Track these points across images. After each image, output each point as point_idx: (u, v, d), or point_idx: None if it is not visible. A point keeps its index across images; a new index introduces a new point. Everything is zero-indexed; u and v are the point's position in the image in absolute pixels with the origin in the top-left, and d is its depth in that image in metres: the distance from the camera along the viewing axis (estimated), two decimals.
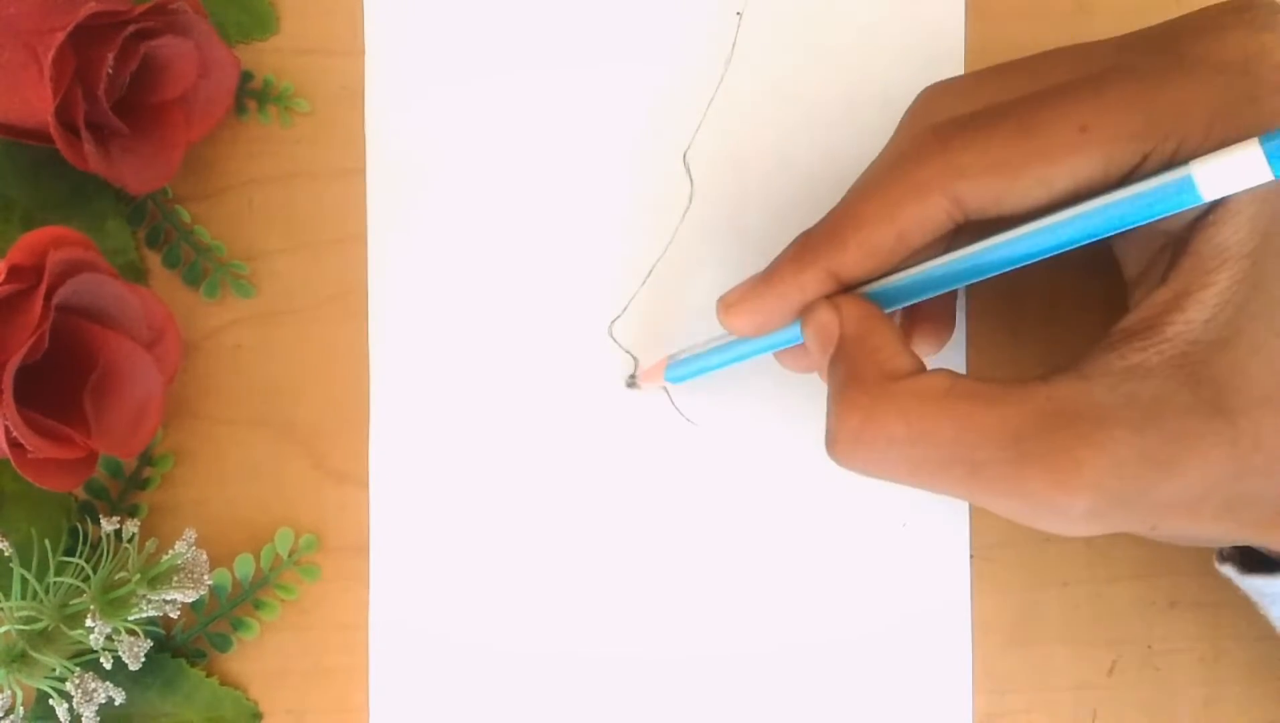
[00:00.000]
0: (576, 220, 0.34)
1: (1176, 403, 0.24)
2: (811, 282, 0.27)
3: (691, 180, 0.34)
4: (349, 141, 0.34)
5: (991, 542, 0.34)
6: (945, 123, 0.26)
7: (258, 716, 0.33)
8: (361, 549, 0.34)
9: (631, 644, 0.34)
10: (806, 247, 0.27)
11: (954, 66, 0.35)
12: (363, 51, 0.34)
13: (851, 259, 0.26)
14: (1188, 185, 0.23)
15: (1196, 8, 0.35)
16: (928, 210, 0.25)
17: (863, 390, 0.25)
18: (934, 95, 0.28)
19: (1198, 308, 0.24)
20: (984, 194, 0.25)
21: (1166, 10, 0.35)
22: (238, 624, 0.33)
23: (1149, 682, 0.34)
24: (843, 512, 0.34)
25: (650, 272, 0.34)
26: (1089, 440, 0.23)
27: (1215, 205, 0.24)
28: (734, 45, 0.34)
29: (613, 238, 0.34)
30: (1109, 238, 0.25)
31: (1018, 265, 0.26)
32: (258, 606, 0.33)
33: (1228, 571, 0.29)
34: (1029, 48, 0.35)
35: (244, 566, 0.33)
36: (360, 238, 0.34)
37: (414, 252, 0.34)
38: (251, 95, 0.34)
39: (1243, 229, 0.24)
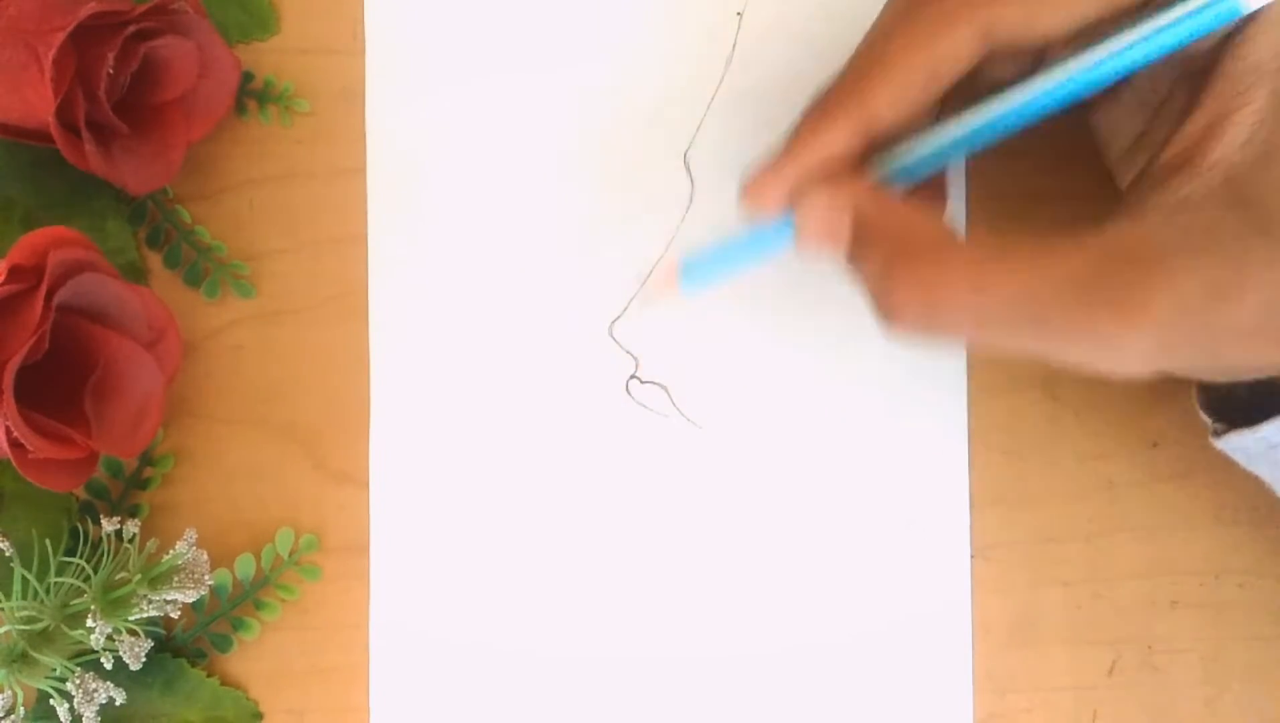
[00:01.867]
0: (577, 220, 0.34)
1: (1228, 229, 0.24)
2: (840, 137, 0.26)
3: (691, 180, 0.34)
4: (349, 141, 0.34)
5: (991, 542, 0.34)
6: None
7: (258, 715, 0.33)
8: (361, 549, 0.34)
9: (632, 645, 0.34)
10: (830, 100, 0.26)
11: None
12: (363, 51, 0.34)
13: (883, 104, 0.25)
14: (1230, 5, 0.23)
15: None
16: (957, 41, 0.25)
17: (916, 266, 0.25)
18: None
19: (1236, 129, 0.24)
20: (1015, 19, 0.25)
21: None
22: (238, 624, 0.33)
23: (1149, 682, 0.34)
24: (843, 512, 0.34)
25: (650, 272, 0.34)
26: (1151, 276, 0.23)
27: (1241, 24, 0.24)
28: (734, 45, 0.34)
29: (613, 238, 0.34)
30: (1097, 112, 0.25)
31: (1046, 113, 0.25)
32: (258, 606, 0.33)
33: (1231, 438, 0.29)
34: None
35: (244, 566, 0.33)
36: (360, 238, 0.34)
37: (414, 252, 0.34)
38: (252, 95, 0.34)
39: (1273, 45, 0.24)
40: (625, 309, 0.34)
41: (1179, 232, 0.24)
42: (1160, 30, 0.24)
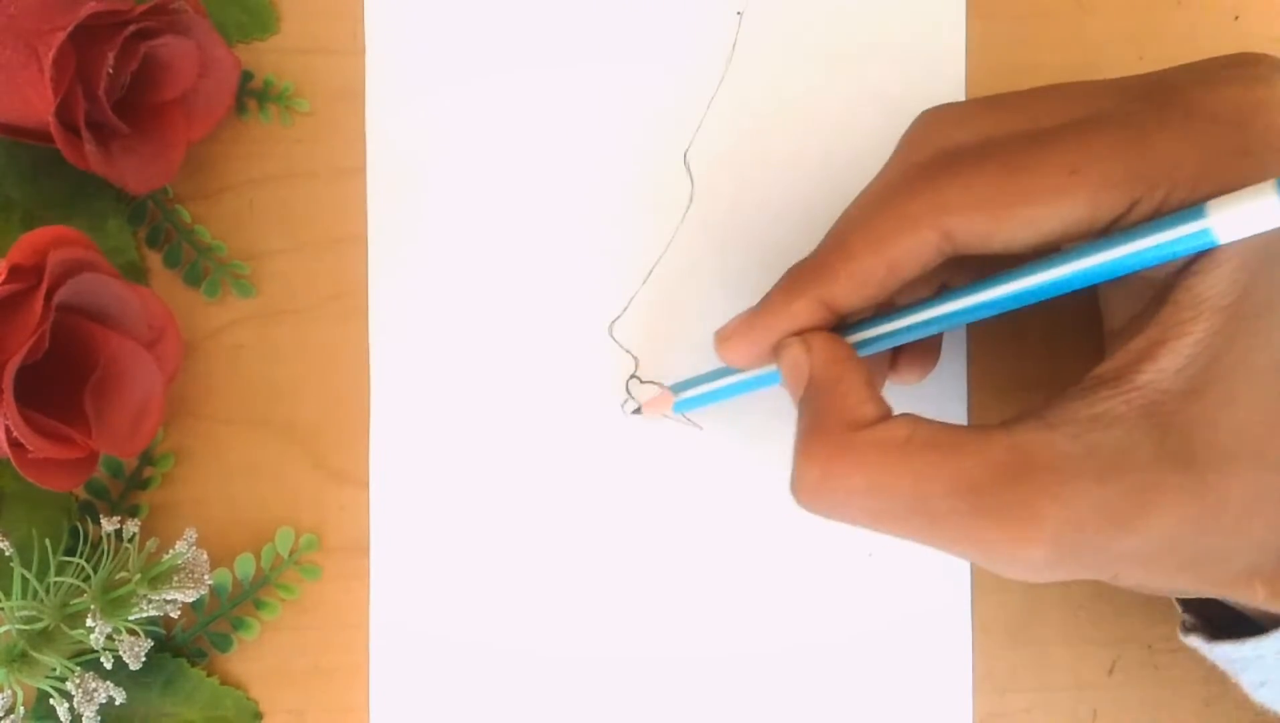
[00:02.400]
0: (576, 220, 0.34)
1: (1141, 454, 0.23)
2: (803, 311, 0.27)
3: (692, 180, 0.34)
4: (349, 141, 0.34)
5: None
6: (935, 157, 0.26)
7: (258, 715, 0.33)
8: (361, 549, 0.34)
9: (631, 645, 0.34)
10: (798, 277, 0.27)
11: (955, 66, 0.35)
12: (363, 51, 0.34)
13: (842, 289, 0.26)
14: (1200, 227, 0.23)
15: (1195, 11, 0.35)
16: (917, 243, 0.25)
17: (823, 440, 0.25)
18: (928, 124, 0.28)
19: (1171, 357, 0.24)
20: (972, 230, 0.25)
21: (1167, 10, 0.35)
22: (238, 624, 0.33)
23: (1149, 682, 0.34)
24: None
25: (650, 272, 0.34)
26: (1047, 492, 0.23)
27: (1197, 257, 0.24)
28: (734, 45, 0.34)
29: (613, 238, 0.34)
30: (1097, 287, 0.25)
31: (1013, 308, 0.26)
32: (258, 605, 0.33)
33: (1194, 642, 0.29)
34: (1029, 47, 0.35)
35: (244, 565, 0.33)
36: (360, 238, 0.34)
37: (414, 252, 0.34)
38: (252, 95, 0.34)
39: (1223, 281, 0.24)
40: (625, 309, 0.34)
41: (1086, 448, 0.24)
42: (1125, 256, 0.24)
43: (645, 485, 0.34)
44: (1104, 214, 0.24)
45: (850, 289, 0.26)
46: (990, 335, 0.35)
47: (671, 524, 0.34)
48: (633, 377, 0.34)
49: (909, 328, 0.27)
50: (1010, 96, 0.27)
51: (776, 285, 0.28)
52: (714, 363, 0.32)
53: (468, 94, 0.34)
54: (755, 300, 0.34)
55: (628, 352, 0.34)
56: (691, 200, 0.34)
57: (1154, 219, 0.24)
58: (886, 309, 0.28)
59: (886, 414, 0.26)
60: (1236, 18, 0.35)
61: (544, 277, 0.34)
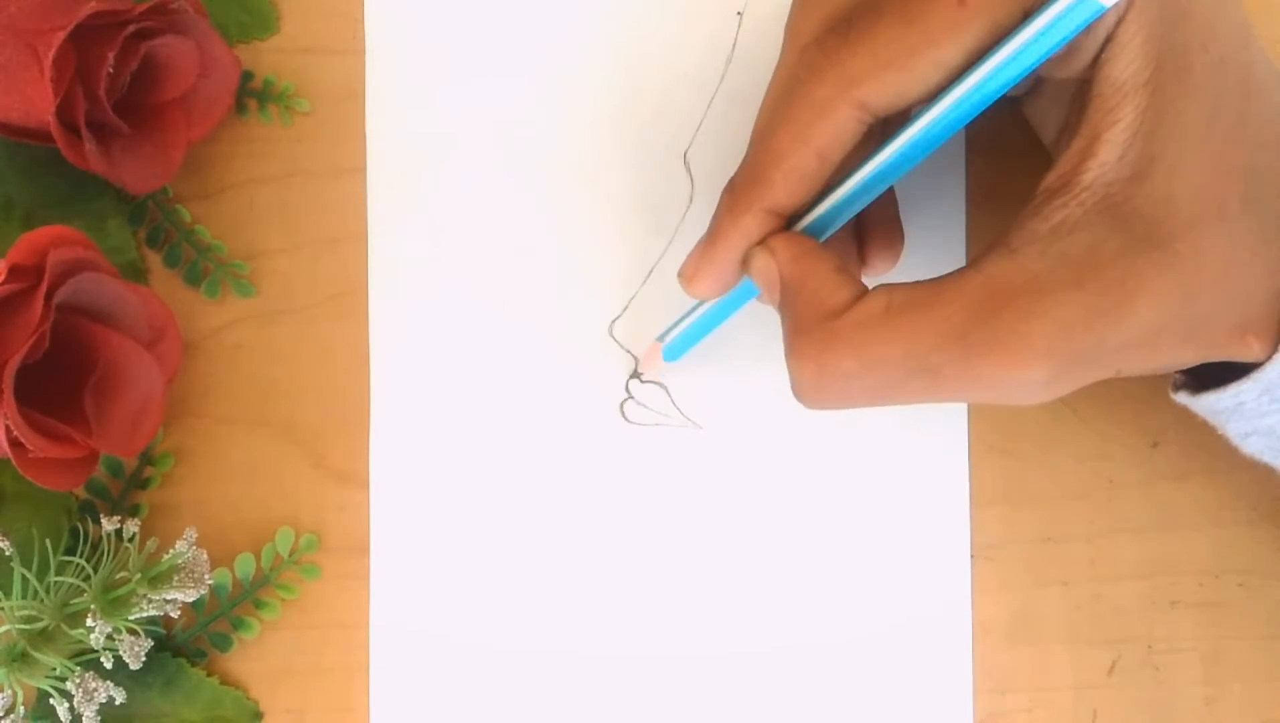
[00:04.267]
0: (576, 220, 0.34)
1: (1109, 248, 0.24)
2: (752, 224, 0.27)
3: (692, 180, 0.34)
4: (349, 141, 0.34)
5: (991, 542, 0.34)
6: (827, 34, 0.26)
7: (258, 715, 0.33)
8: (361, 549, 0.34)
9: (631, 644, 0.34)
10: (736, 194, 0.27)
11: None
12: (363, 51, 0.34)
13: (781, 192, 0.27)
14: None
15: None
16: (837, 124, 0.25)
17: (809, 336, 0.26)
18: (805, 8, 0.28)
19: (1108, 148, 0.24)
20: (885, 92, 0.25)
21: None
22: (238, 624, 0.33)
23: (1149, 682, 0.34)
24: (843, 512, 0.34)
25: (650, 272, 0.34)
26: (1031, 312, 0.24)
27: (1105, 45, 0.24)
28: (734, 45, 0.34)
29: (613, 238, 0.34)
30: (1024, 105, 0.26)
31: (941, 138, 0.26)
32: (258, 605, 0.33)
33: (1182, 398, 0.29)
34: None
35: (244, 565, 0.33)
36: (360, 238, 0.34)
37: (414, 252, 0.34)
38: (252, 95, 0.34)
39: (1135, 59, 0.24)
40: (625, 309, 0.34)
41: (1055, 260, 0.24)
42: (1025, 46, 0.24)
43: (645, 485, 0.34)
44: (1002, 30, 0.24)
45: (789, 189, 0.26)
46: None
47: (671, 524, 0.34)
48: (633, 377, 0.34)
49: (854, 193, 0.27)
50: None
51: (718, 209, 0.28)
52: (716, 356, 0.32)
53: (468, 94, 0.34)
54: (753, 301, 0.34)
55: (628, 352, 0.34)
56: (691, 200, 0.34)
57: None
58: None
59: (860, 292, 0.26)
60: None
61: (544, 277, 0.34)
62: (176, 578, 0.31)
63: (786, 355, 0.26)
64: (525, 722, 0.34)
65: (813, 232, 0.28)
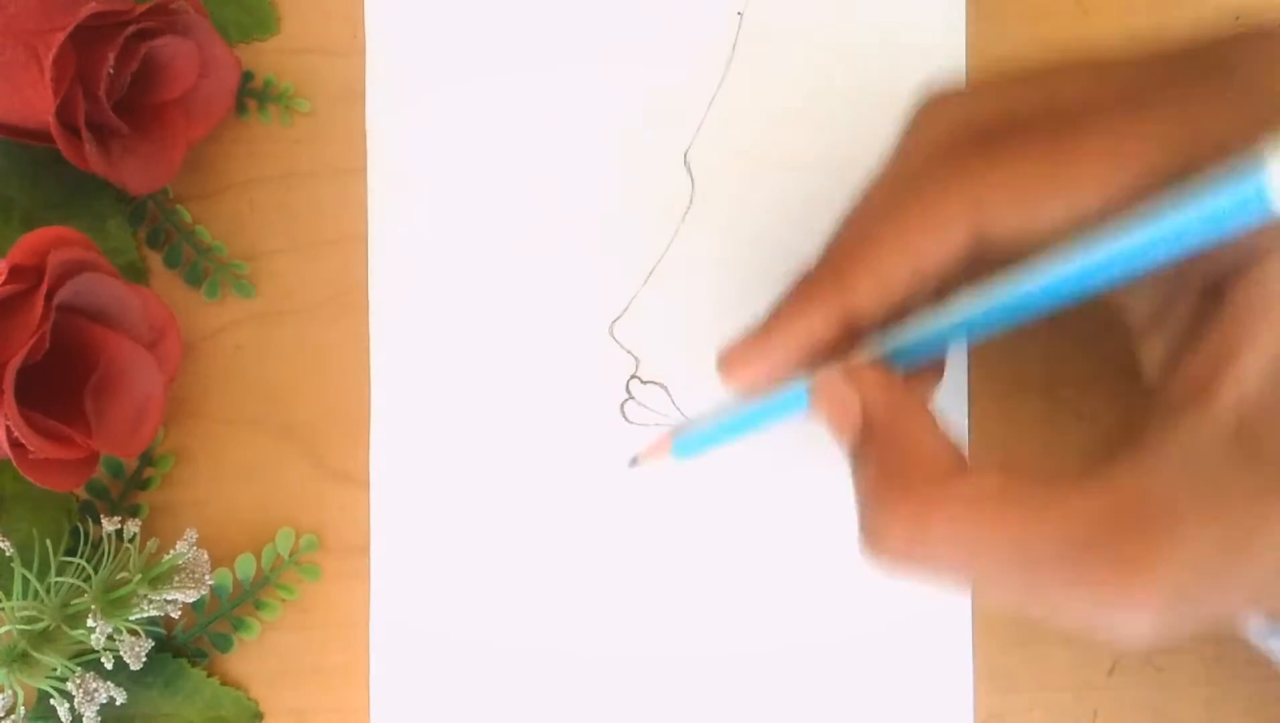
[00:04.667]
0: (577, 220, 0.34)
1: (1242, 487, 0.22)
2: (820, 324, 0.25)
3: (692, 180, 0.34)
4: (349, 141, 0.34)
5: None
6: (961, 143, 0.24)
7: (259, 715, 0.33)
8: (362, 549, 0.34)
9: (632, 644, 0.34)
10: (812, 284, 0.25)
11: (955, 65, 0.35)
12: (363, 51, 0.34)
13: (864, 297, 0.24)
14: (1257, 181, 0.20)
15: (1195, 11, 0.35)
16: (948, 245, 0.23)
17: (907, 495, 0.23)
18: (937, 108, 0.26)
19: (1246, 369, 0.22)
20: (1008, 221, 0.23)
21: (1167, 10, 0.35)
22: (238, 624, 0.33)
23: (1149, 682, 0.34)
24: (844, 512, 0.34)
25: (650, 272, 0.34)
26: (1159, 543, 0.22)
27: (1246, 253, 0.22)
28: (734, 45, 0.34)
29: (613, 238, 0.34)
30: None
31: (1042, 309, 0.24)
32: (258, 605, 0.33)
33: (1258, 622, 0.26)
34: (1029, 47, 0.35)
35: (245, 565, 0.33)
36: (360, 238, 0.34)
37: (414, 252, 0.34)
38: (252, 95, 0.34)
39: None
40: (625, 309, 0.34)
41: (1188, 486, 0.22)
42: (1175, 225, 0.21)
43: (645, 485, 0.34)
44: (1159, 176, 0.22)
45: (873, 299, 0.24)
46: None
47: (671, 523, 0.34)
48: (633, 377, 0.34)
49: (930, 336, 0.25)
50: (1017, 75, 0.25)
51: (784, 298, 0.26)
52: (714, 366, 0.32)
53: (468, 94, 0.34)
54: (755, 300, 0.34)
55: (628, 352, 0.34)
56: (691, 200, 0.34)
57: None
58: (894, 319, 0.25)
59: (964, 462, 0.24)
60: (1237, 17, 0.35)
61: (544, 277, 0.34)
62: (177, 578, 0.31)
63: (871, 505, 0.24)
64: (525, 722, 0.34)
65: (889, 356, 0.25)
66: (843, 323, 0.25)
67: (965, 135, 0.24)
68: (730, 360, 0.26)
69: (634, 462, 0.32)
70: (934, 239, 0.23)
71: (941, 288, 0.25)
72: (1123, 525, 0.22)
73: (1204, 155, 0.22)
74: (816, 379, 0.25)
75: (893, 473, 0.24)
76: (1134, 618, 0.22)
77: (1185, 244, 0.21)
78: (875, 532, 0.24)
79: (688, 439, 0.29)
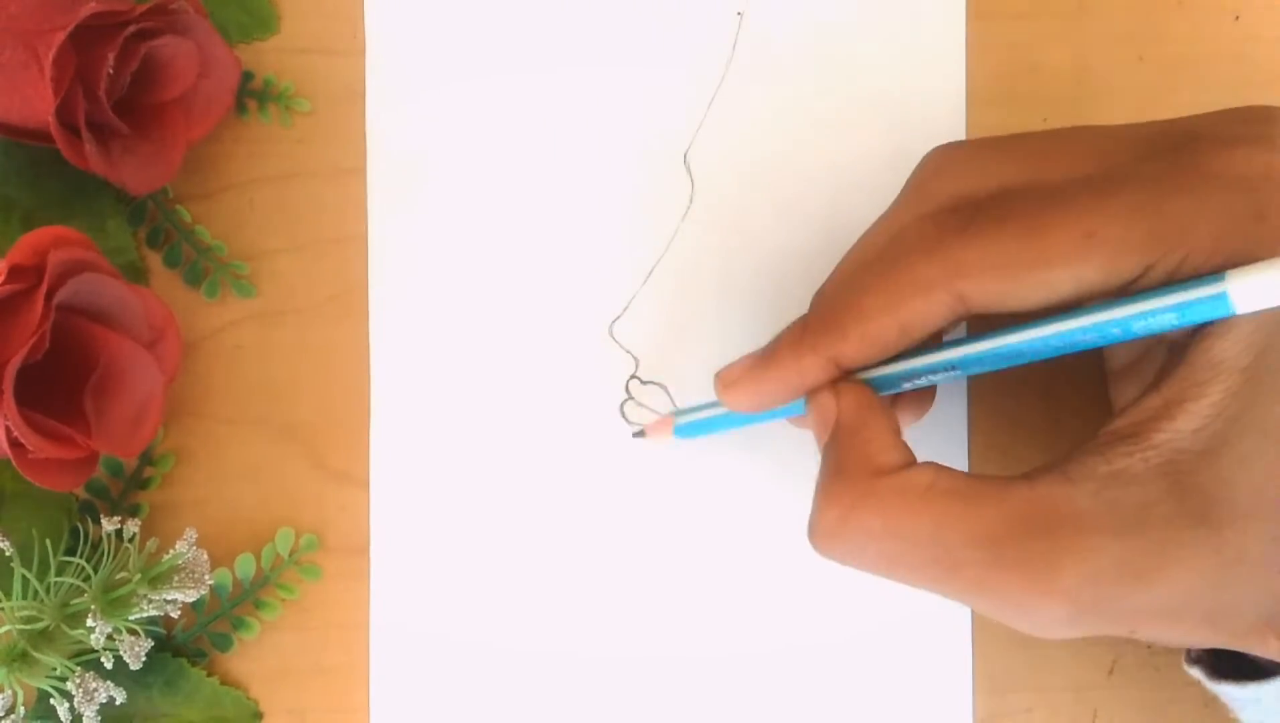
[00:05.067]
0: (577, 220, 0.34)
1: (1160, 511, 0.24)
2: (811, 367, 0.27)
3: (692, 180, 0.34)
4: (349, 141, 0.34)
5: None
6: (948, 214, 0.26)
7: (258, 715, 0.33)
8: (362, 549, 0.34)
9: (631, 644, 0.34)
10: (807, 332, 0.27)
11: (955, 66, 0.35)
12: (363, 51, 0.34)
13: (852, 349, 0.27)
14: (1221, 299, 0.23)
15: (1195, 11, 0.35)
16: (930, 306, 0.25)
17: (846, 484, 0.26)
18: (937, 167, 0.28)
19: (1188, 418, 0.24)
20: (987, 293, 0.25)
21: (1167, 10, 0.35)
22: (238, 624, 0.33)
23: (1149, 682, 0.34)
24: None
25: (650, 272, 0.34)
26: (1068, 548, 0.24)
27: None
28: (734, 45, 0.34)
29: (613, 238, 0.34)
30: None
31: (1037, 359, 0.26)
32: (258, 605, 0.33)
33: (1196, 673, 0.29)
34: (1029, 47, 0.35)
35: (245, 565, 0.33)
36: (360, 238, 0.34)
37: (414, 252, 0.34)
38: (252, 95, 0.34)
39: (1239, 344, 0.24)
40: (625, 309, 0.34)
41: (1106, 504, 0.24)
42: (1153, 311, 0.24)
43: (645, 485, 0.34)
44: (1119, 278, 0.24)
45: (860, 350, 0.26)
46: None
47: (671, 523, 0.34)
48: (633, 377, 0.34)
49: (921, 369, 0.27)
50: (1019, 141, 0.27)
51: (784, 339, 0.28)
52: (716, 356, 0.32)
53: (468, 94, 0.34)
54: (755, 300, 0.34)
55: (628, 352, 0.34)
56: (691, 200, 0.34)
57: (1168, 283, 0.24)
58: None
59: (908, 461, 0.26)
60: (1237, 17, 0.35)
61: (544, 277, 0.34)
62: (177, 578, 0.31)
63: (816, 494, 0.26)
64: (525, 722, 0.34)
65: (880, 384, 0.28)
66: (832, 367, 0.27)
67: (955, 205, 0.26)
68: (728, 381, 0.29)
69: (639, 433, 0.33)
70: (919, 303, 0.26)
71: (931, 338, 0.27)
72: (1034, 528, 0.24)
73: (1169, 238, 0.24)
74: (814, 391, 0.28)
75: (840, 466, 0.26)
76: (1040, 615, 0.24)
77: (1151, 329, 0.24)
78: (814, 518, 0.26)
79: (690, 422, 0.32)
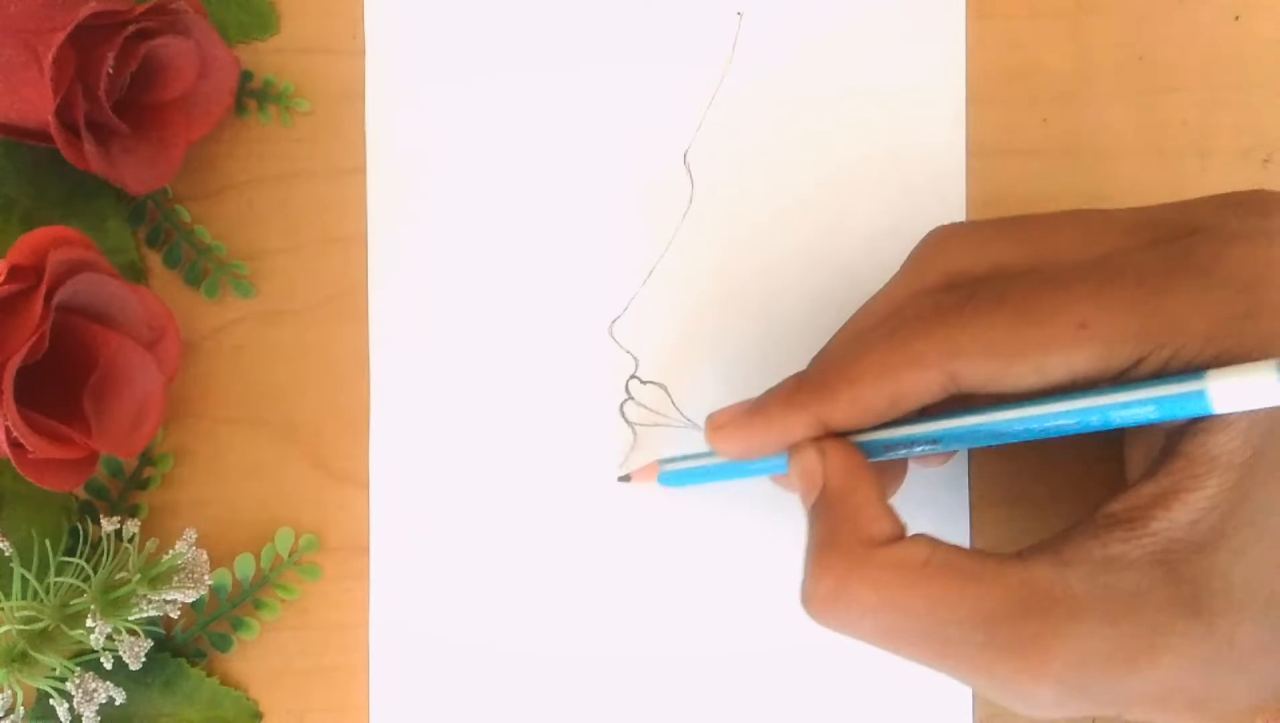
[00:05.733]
0: (577, 220, 0.34)
1: (1153, 598, 0.24)
2: (799, 425, 0.27)
3: (692, 180, 0.34)
4: (349, 141, 0.34)
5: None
6: (945, 291, 0.26)
7: (258, 715, 0.33)
8: (361, 549, 0.34)
9: (631, 644, 0.34)
10: (800, 390, 0.27)
11: (954, 66, 0.35)
12: (363, 51, 0.34)
13: (842, 413, 0.27)
14: (1200, 397, 0.23)
15: (1195, 11, 0.35)
16: (923, 380, 0.26)
17: (838, 554, 0.26)
18: (938, 246, 0.28)
19: (1184, 509, 0.24)
20: (979, 374, 0.25)
21: (1167, 10, 0.35)
22: (238, 624, 0.33)
23: None
24: None
25: (650, 272, 0.34)
26: (1059, 631, 0.24)
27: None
28: (734, 45, 0.34)
29: (613, 238, 0.34)
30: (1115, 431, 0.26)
31: (1020, 440, 0.26)
32: (258, 605, 0.33)
33: None
34: (1029, 47, 0.35)
35: (244, 565, 0.33)
36: (360, 238, 0.34)
37: (414, 252, 0.34)
38: (251, 95, 0.34)
39: (1236, 440, 0.24)
40: (625, 309, 0.34)
41: (1100, 589, 0.24)
42: (1132, 403, 0.24)
43: (644, 486, 0.34)
44: (1111, 367, 0.24)
45: (849, 413, 0.27)
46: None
47: (671, 524, 0.34)
48: (633, 377, 0.34)
49: (895, 442, 0.27)
50: (1020, 222, 0.28)
51: (776, 393, 0.28)
52: (716, 356, 0.32)
53: (468, 94, 0.34)
54: (754, 300, 0.34)
55: (628, 352, 0.34)
56: (691, 200, 0.34)
57: (1159, 375, 0.24)
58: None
59: (900, 532, 0.26)
60: (1237, 17, 0.35)
61: (544, 277, 0.34)
62: (176, 578, 0.31)
63: (808, 561, 0.26)
64: (525, 722, 0.34)
65: (866, 450, 0.28)
66: (820, 427, 0.27)
67: (954, 281, 0.27)
68: (717, 425, 0.29)
69: (624, 478, 0.33)
70: (912, 377, 0.26)
71: (923, 411, 0.27)
72: (1029, 608, 0.24)
73: (1161, 333, 0.24)
74: (796, 447, 0.28)
75: (832, 535, 0.26)
76: (1031, 695, 0.24)
77: (1129, 421, 0.24)
78: (806, 587, 0.26)
79: (674, 472, 0.32)
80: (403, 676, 0.33)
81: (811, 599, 0.26)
